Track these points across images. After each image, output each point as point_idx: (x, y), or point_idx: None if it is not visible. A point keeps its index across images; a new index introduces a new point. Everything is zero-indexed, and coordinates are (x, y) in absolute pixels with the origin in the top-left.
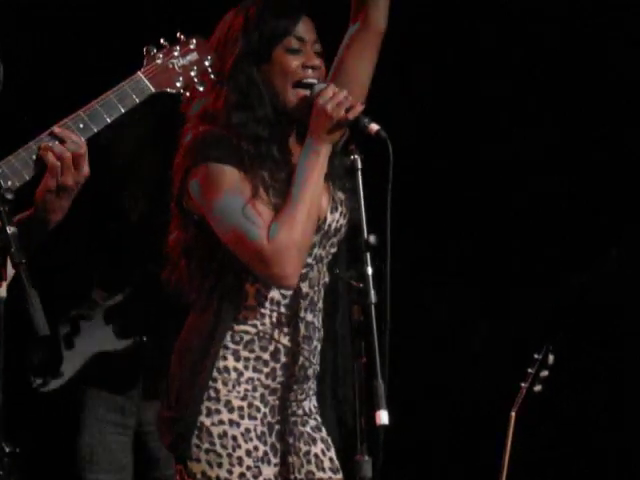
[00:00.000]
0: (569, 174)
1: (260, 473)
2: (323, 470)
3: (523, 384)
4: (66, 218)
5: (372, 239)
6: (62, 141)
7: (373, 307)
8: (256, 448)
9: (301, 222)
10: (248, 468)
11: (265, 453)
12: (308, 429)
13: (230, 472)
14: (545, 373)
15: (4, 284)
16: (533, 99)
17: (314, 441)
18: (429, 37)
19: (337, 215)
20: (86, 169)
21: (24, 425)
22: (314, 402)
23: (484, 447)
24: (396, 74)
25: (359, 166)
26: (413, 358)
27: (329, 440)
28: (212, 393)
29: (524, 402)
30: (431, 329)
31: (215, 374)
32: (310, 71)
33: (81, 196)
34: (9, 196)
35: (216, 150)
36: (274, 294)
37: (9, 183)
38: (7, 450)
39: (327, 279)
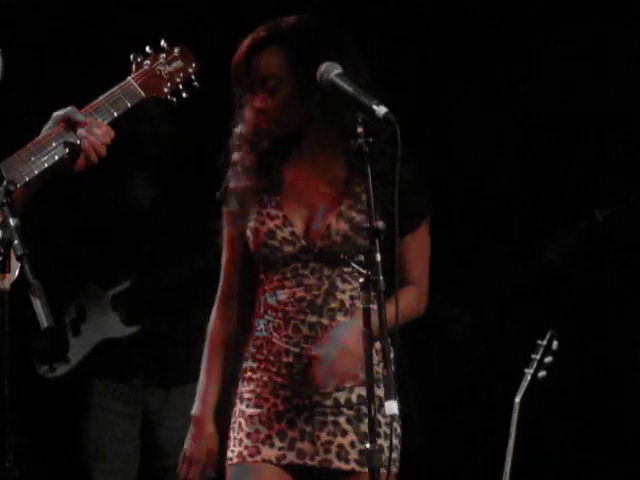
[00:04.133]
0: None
1: (258, 452)
2: (346, 461)
3: (527, 370)
4: (76, 205)
5: (381, 225)
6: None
7: (382, 295)
8: (257, 431)
9: None
10: (246, 447)
11: (268, 437)
12: (341, 419)
13: (232, 452)
14: (549, 359)
15: (8, 276)
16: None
17: (343, 432)
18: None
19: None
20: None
21: (31, 416)
22: (359, 393)
23: (489, 434)
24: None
25: (366, 150)
26: (415, 346)
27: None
28: (237, 390)
29: (528, 388)
30: (433, 316)
31: (241, 374)
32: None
33: (91, 182)
34: (12, 188)
35: None
36: (271, 301)
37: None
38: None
39: (338, 282)
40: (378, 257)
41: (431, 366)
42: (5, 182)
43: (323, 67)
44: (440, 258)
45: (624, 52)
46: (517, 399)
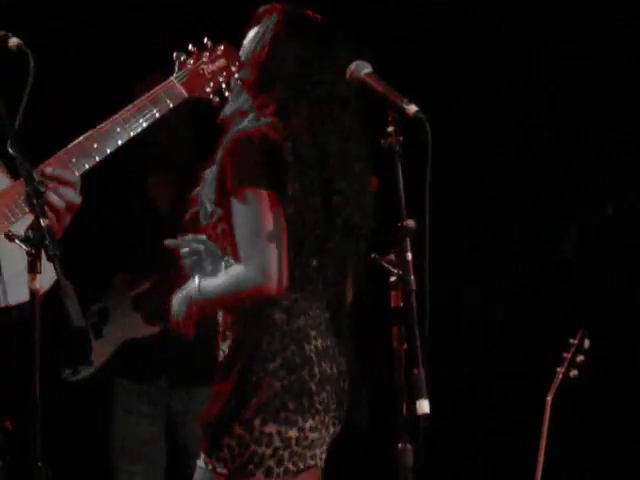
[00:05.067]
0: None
1: None
2: None
3: (559, 369)
4: (93, 208)
5: (411, 224)
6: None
7: (414, 294)
8: None
9: None
10: None
11: None
12: None
13: None
14: (581, 358)
15: (39, 277)
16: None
17: None
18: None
19: None
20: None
21: (57, 418)
22: None
23: (520, 433)
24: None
25: (397, 149)
26: (446, 344)
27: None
28: None
29: (560, 387)
30: (464, 314)
31: None
32: None
33: (109, 186)
34: (42, 188)
35: None
36: None
37: None
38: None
39: None
40: (409, 256)
41: (463, 365)
42: (35, 183)
43: (353, 65)
44: (440, 258)
45: (624, 52)
46: (549, 398)
